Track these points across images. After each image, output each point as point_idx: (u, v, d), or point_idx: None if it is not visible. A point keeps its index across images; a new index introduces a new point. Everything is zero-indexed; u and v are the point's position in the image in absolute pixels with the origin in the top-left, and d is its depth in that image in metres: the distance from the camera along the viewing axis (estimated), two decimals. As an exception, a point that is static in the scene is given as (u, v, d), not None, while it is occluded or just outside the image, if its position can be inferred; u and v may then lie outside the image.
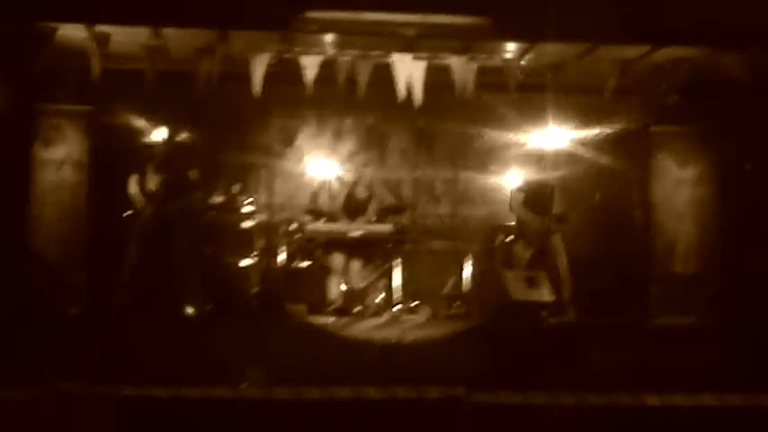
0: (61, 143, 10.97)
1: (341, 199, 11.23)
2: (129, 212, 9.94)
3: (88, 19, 9.69)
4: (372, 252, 11.05)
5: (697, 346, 8.67)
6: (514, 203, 10.83)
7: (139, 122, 10.46)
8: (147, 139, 10.13)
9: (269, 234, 11.54)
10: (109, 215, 10.66)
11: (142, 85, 10.33)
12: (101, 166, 11.04)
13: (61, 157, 10.95)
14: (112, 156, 10.89)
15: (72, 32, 9.89)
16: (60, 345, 7.97)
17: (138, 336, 8.34)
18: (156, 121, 10.42)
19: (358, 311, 10.32)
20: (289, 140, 12.29)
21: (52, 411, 6.54)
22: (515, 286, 9.96)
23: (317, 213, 11.25)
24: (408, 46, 10.26)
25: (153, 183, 9.91)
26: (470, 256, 11.35)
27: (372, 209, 11.22)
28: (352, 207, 11.14)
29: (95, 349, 7.94)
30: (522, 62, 10.64)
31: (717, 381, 7.62)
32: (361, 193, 11.29)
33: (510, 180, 11.55)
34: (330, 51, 10.35)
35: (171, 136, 10.15)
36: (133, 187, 9.92)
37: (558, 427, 6.88)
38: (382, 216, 11.21)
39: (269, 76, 10.36)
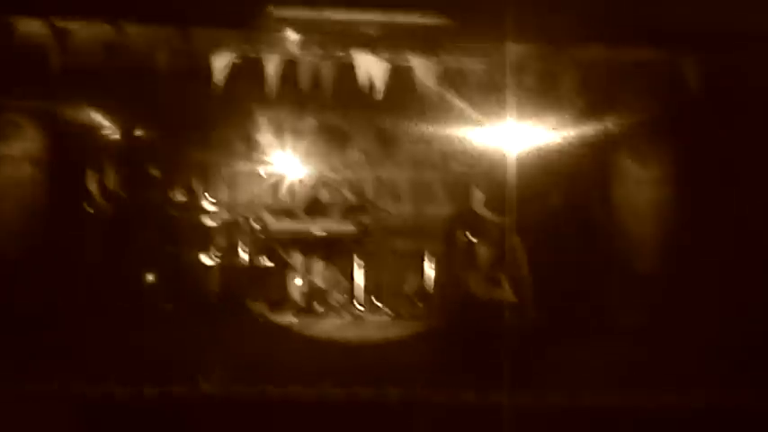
0: (20, 139, 10.86)
1: (303, 198, 11.21)
2: (89, 210, 9.86)
3: (47, 14, 9.59)
4: (335, 251, 11.03)
5: (657, 345, 8.73)
6: (475, 203, 10.90)
7: (99, 119, 10.38)
8: (106, 136, 10.05)
9: (231, 232, 11.49)
10: (68, 212, 10.58)
11: (102, 82, 10.26)
12: (60, 162, 10.94)
13: (19, 153, 10.84)
14: (72, 152, 10.79)
15: (31, 28, 9.79)
16: (17, 344, 7.87)
17: (97, 334, 8.28)
18: (116, 117, 10.35)
19: (320, 311, 10.28)
20: (251, 139, 12.23)
21: (7, 411, 6.48)
22: (477, 286, 9.98)
23: (279, 212, 11.21)
24: (371, 45, 10.24)
25: (112, 180, 9.84)
26: (433, 255, 11.35)
27: (335, 208, 11.21)
28: (315, 206, 11.12)
29: (52, 348, 7.86)
30: (485, 62, 10.65)
31: (677, 379, 7.68)
32: (323, 192, 11.28)
33: (471, 180, 11.58)
34: (292, 50, 10.31)
35: (131, 133, 10.08)
36: (92, 184, 9.85)
37: (517, 426, 6.89)
38: (345, 215, 11.20)
39: (231, 74, 10.31)
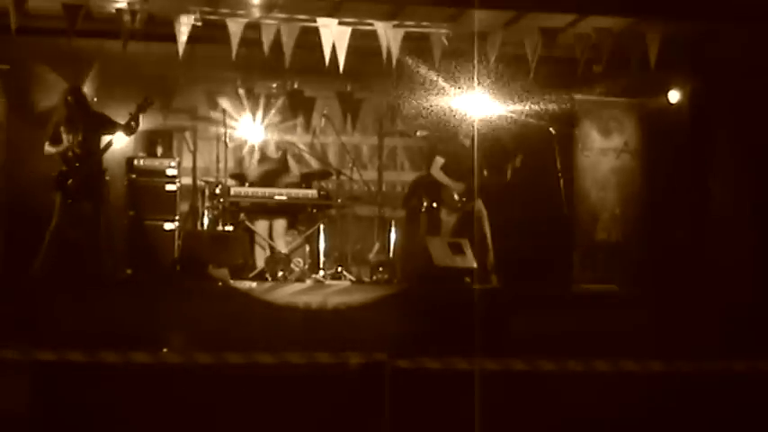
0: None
1: (266, 164, 11.16)
2: (47, 174, 9.78)
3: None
4: (297, 217, 11.01)
5: (618, 312, 8.78)
6: (435, 169, 10.93)
7: (57, 82, 10.28)
8: (64, 100, 9.94)
9: (192, 198, 11.44)
10: (26, 177, 10.50)
11: (62, 45, 10.14)
12: (18, 126, 10.83)
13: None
14: (30, 116, 10.69)
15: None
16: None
17: (57, 301, 8.22)
18: (75, 80, 10.25)
19: (281, 276, 10.26)
20: (213, 103, 12.15)
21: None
22: (439, 252, 10.00)
23: (241, 177, 11.15)
24: (334, 10, 10.18)
25: (69, 143, 9.75)
26: (395, 222, 11.36)
27: (297, 173, 11.19)
28: (277, 172, 11.08)
29: (11, 315, 7.80)
30: (449, 29, 10.62)
31: (636, 347, 7.73)
32: (286, 158, 11.25)
33: (434, 147, 11.60)
34: (256, 14, 10.23)
35: (87, 96, 9.99)
36: (48, 149, 9.77)
37: (480, 392, 6.92)
38: (307, 181, 11.16)
39: (193, 38, 10.21)
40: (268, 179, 10.99)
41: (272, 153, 11.30)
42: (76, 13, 9.88)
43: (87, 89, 10.16)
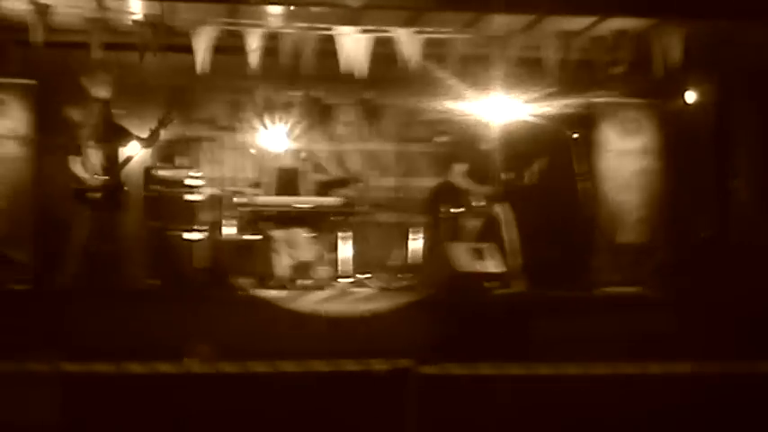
0: (5, 117, 10.82)
1: (287, 172, 11.17)
2: (75, 187, 9.83)
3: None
4: (320, 225, 11.01)
5: (643, 315, 8.75)
6: (456, 175, 10.93)
7: (83, 96, 10.33)
8: (90, 113, 10.00)
9: (216, 207, 11.46)
10: (54, 190, 10.55)
11: (85, 58, 10.20)
12: (48, 140, 10.89)
13: (5, 131, 10.80)
14: (58, 130, 10.75)
15: (13, 4, 9.72)
16: (4, 322, 7.85)
17: (84, 311, 8.26)
18: (99, 93, 10.29)
19: (305, 285, 10.27)
20: (235, 113, 12.19)
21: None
22: (462, 258, 9.99)
23: (263, 186, 11.17)
24: (353, 18, 10.19)
25: (96, 157, 9.80)
26: (418, 228, 11.35)
27: (318, 181, 11.20)
28: (299, 180, 11.10)
29: (40, 326, 7.85)
30: (468, 34, 10.63)
31: (664, 349, 7.70)
32: (307, 166, 11.26)
33: (455, 150, 11.59)
34: (275, 24, 10.26)
35: (110, 109, 10.04)
36: (76, 161, 9.81)
37: (506, 397, 6.91)
38: (329, 189, 11.18)
39: (214, 49, 10.26)
40: (289, 188, 11.00)
41: (293, 161, 11.32)
42: (97, 26, 9.98)
43: (109, 101, 10.19)
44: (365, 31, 10.36)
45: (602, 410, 7.29)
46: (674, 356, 7.16)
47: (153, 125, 10.00)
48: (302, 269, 10.52)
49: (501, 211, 10.81)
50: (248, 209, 10.62)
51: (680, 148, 11.54)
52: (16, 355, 6.70)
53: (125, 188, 10.07)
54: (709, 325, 8.55)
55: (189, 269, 10.81)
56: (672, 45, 10.39)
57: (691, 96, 11.48)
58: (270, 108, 12.09)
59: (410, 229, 11.32)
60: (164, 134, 10.33)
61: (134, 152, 10.01)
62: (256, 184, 11.22)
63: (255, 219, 10.76)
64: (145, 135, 9.96)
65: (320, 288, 10.17)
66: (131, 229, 10.41)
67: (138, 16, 10.06)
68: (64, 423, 6.92)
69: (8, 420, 6.68)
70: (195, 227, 11.10)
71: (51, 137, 10.77)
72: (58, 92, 11.02)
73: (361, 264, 11.02)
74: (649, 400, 7.21)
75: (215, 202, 11.42)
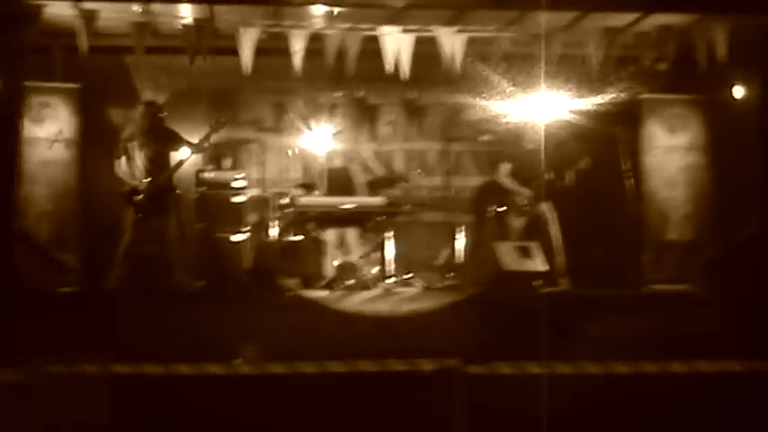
0: (52, 121, 10.92)
1: (332, 172, 11.20)
2: (121, 189, 9.90)
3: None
4: (365, 225, 11.02)
5: (692, 313, 8.68)
6: (501, 175, 10.92)
7: (129, 99, 10.42)
8: (135, 116, 10.07)
9: (261, 209, 11.51)
10: (101, 192, 10.64)
11: (133, 62, 10.28)
12: (92, 143, 10.99)
13: (52, 134, 10.89)
14: (103, 133, 10.84)
15: (59, 10, 9.82)
16: (52, 324, 7.92)
17: (132, 313, 8.32)
18: (145, 97, 10.38)
19: (351, 285, 10.29)
20: (279, 115, 12.25)
21: (44, 393, 6.53)
22: (507, 257, 9.96)
23: (308, 187, 11.21)
24: (396, 18, 10.20)
25: (143, 161, 9.87)
26: (463, 227, 11.34)
27: (364, 182, 11.21)
28: (344, 180, 11.12)
29: (88, 328, 7.91)
30: (512, 32, 10.61)
31: (712, 347, 7.64)
32: (352, 166, 11.29)
33: (499, 150, 11.57)
34: (318, 24, 10.29)
35: (159, 112, 10.09)
36: (121, 164, 9.88)
37: (553, 396, 6.89)
38: (374, 188, 11.19)
39: (258, 51, 10.30)
40: (335, 188, 11.03)
41: (339, 162, 11.34)
42: (144, 30, 10.07)
43: (159, 105, 10.25)
44: (408, 31, 10.36)
45: (651, 409, 7.26)
46: (722, 355, 7.11)
47: (205, 131, 10.01)
48: (348, 269, 10.54)
49: (546, 209, 10.79)
50: (294, 210, 10.65)
51: (726, 143, 11.42)
52: (66, 358, 6.76)
53: (177, 191, 10.10)
54: (758, 322, 8.47)
55: (236, 271, 10.87)
56: (716, 40, 10.31)
57: (738, 92, 11.35)
58: (315, 109, 12.14)
59: (456, 229, 11.31)
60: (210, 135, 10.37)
61: (185, 156, 10.05)
62: (305, 186, 11.24)
63: (301, 220, 10.80)
64: (195, 140, 10.00)
65: (366, 288, 10.19)
66: (181, 232, 10.45)
67: (187, 20, 10.11)
68: (114, 424, 6.99)
69: (59, 421, 6.76)
70: (242, 228, 11.16)
71: (97, 140, 10.85)
72: (104, 96, 11.11)
73: (406, 263, 11.03)
74: (699, 398, 7.17)
75: (261, 204, 11.47)
